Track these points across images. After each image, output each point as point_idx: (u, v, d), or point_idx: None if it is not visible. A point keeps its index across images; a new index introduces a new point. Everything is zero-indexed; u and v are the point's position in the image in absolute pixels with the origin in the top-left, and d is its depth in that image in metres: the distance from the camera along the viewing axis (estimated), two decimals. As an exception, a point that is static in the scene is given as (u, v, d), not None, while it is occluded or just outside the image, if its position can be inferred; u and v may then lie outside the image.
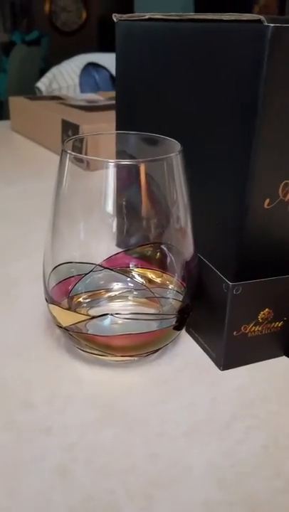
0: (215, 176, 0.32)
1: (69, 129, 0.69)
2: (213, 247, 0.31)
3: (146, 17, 0.34)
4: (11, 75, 2.28)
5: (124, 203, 0.30)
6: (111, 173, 0.26)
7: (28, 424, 0.26)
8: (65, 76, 1.24)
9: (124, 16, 0.37)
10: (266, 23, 0.26)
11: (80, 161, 0.29)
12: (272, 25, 0.26)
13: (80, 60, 1.31)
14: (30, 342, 0.32)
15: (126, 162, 0.26)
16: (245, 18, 0.27)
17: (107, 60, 1.34)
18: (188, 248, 0.29)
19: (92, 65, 1.32)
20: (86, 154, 0.35)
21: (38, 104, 0.83)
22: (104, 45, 1.67)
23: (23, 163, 0.74)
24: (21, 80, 2.21)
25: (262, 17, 0.27)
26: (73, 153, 0.27)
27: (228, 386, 0.29)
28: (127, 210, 0.31)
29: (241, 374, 0.30)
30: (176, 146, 0.27)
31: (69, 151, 0.27)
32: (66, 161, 0.28)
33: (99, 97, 0.92)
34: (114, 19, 0.37)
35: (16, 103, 0.85)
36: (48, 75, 1.23)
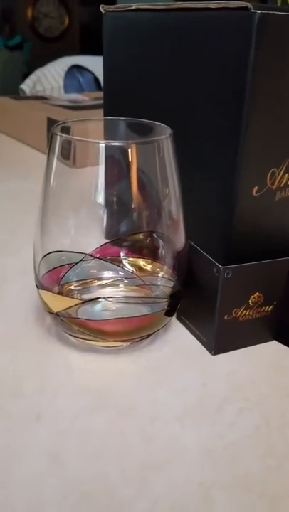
0: (203, 164, 0.32)
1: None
2: (202, 234, 0.31)
3: (133, 7, 0.34)
4: (-7, 79, 2.27)
5: (114, 192, 0.31)
6: (100, 156, 0.26)
7: (18, 412, 0.26)
8: (49, 78, 1.23)
9: (112, 7, 0.37)
10: (253, 10, 0.27)
11: (67, 157, 0.29)
12: (259, 11, 0.27)
13: (64, 63, 1.31)
14: (20, 332, 0.32)
15: (115, 143, 0.26)
16: (232, 6, 0.28)
17: (91, 63, 1.34)
18: (179, 235, 0.29)
19: (77, 68, 1.33)
20: (74, 147, 0.35)
21: (22, 104, 0.83)
22: (87, 51, 1.67)
23: (7, 162, 0.73)
24: (4, 84, 2.20)
25: (249, 4, 0.27)
26: (63, 134, 0.27)
27: (219, 370, 0.29)
28: (117, 198, 0.31)
29: (232, 358, 0.30)
30: (167, 130, 0.27)
31: (59, 133, 0.27)
32: (56, 145, 0.28)
33: (84, 97, 0.92)
34: (102, 10, 0.38)
35: (1, 103, 0.85)
36: (32, 77, 1.23)
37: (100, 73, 1.33)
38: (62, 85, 1.24)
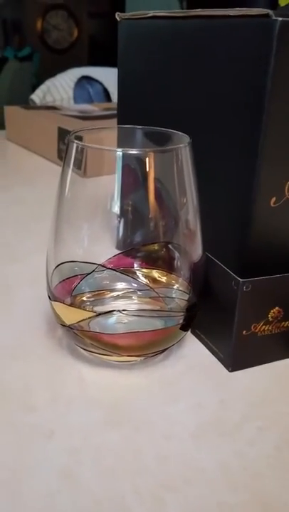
0: (220, 173, 0.31)
1: (66, 136, 0.68)
2: (217, 246, 0.30)
3: (150, 15, 0.34)
4: (2, 89, 2.29)
5: (129, 201, 0.30)
6: (117, 164, 0.26)
7: (30, 428, 0.25)
8: (59, 89, 1.24)
9: (127, 15, 0.37)
10: (274, 17, 0.26)
11: (79, 167, 0.28)
12: (280, 18, 0.26)
13: (74, 74, 1.32)
14: (30, 344, 0.31)
15: (133, 151, 0.25)
16: (252, 13, 0.27)
17: (101, 74, 1.35)
18: (196, 246, 0.29)
19: (86, 79, 1.33)
20: (86, 155, 0.35)
21: (33, 114, 0.83)
22: (95, 63, 1.68)
23: (16, 169, 0.73)
24: (13, 94, 2.21)
25: (270, 11, 0.27)
26: (80, 142, 0.26)
27: (237, 387, 0.28)
28: (132, 208, 0.31)
29: (250, 375, 0.29)
30: (185, 139, 0.27)
31: (76, 141, 0.26)
32: (72, 154, 0.27)
33: (94, 108, 0.92)
34: (118, 18, 0.37)
35: (12, 112, 0.85)
36: (42, 87, 1.23)
37: (109, 84, 1.34)
38: (72, 96, 1.25)
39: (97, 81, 1.33)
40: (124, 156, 0.25)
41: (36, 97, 1.19)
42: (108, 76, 1.36)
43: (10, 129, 0.85)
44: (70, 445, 0.24)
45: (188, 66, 0.32)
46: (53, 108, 0.91)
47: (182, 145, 0.25)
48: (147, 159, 0.26)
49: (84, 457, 0.23)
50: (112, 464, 0.23)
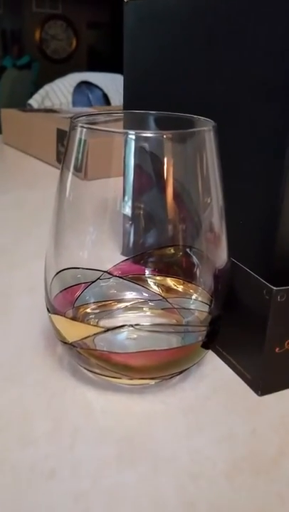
0: (243, 170, 0.27)
1: (65, 138, 0.65)
2: (240, 250, 0.26)
3: (163, -9, 0.30)
4: (1, 97, 2.26)
5: (141, 198, 0.26)
6: (127, 152, 0.22)
7: (26, 466, 0.21)
8: (58, 93, 1.21)
9: (135, -5, 0.33)
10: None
11: (79, 170, 0.25)
12: None
13: (73, 78, 1.29)
14: (27, 363, 0.27)
15: (147, 134, 0.22)
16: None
17: (101, 79, 1.32)
18: (220, 251, 0.24)
19: (86, 84, 1.30)
20: (87, 157, 0.32)
21: (31, 116, 0.79)
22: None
23: (15, 174, 0.69)
24: (12, 103, 2.19)
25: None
26: (86, 125, 0.22)
27: (270, 414, 0.24)
28: (145, 207, 0.27)
29: (284, 399, 0.25)
30: (209, 124, 0.23)
31: (80, 124, 0.22)
32: (75, 140, 0.23)
33: (94, 111, 0.89)
34: (124, -1, 0.34)
35: (8, 115, 0.81)
36: (41, 92, 1.20)
37: (108, 89, 1.31)
38: (71, 101, 1.21)
39: (96, 86, 1.30)
40: (137, 139, 0.21)
41: (34, 101, 1.16)
42: (108, 81, 1.33)
43: (7, 132, 0.82)
44: (75, 488, 0.20)
45: (205, 48, 0.28)
46: (52, 111, 0.87)
47: (206, 128, 0.21)
48: (164, 145, 0.22)
49: (93, 503, 0.19)
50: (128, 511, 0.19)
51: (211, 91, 0.28)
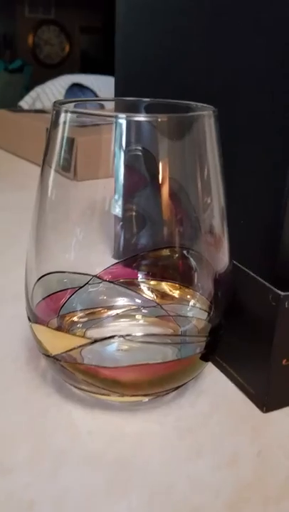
0: (245, 166, 0.25)
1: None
2: (240, 252, 0.24)
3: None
4: (-8, 101, 2.23)
5: (133, 195, 0.24)
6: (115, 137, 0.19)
7: (2, 497, 0.18)
8: (49, 95, 1.18)
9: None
10: None
11: (67, 170, 0.23)
12: None
13: (65, 81, 1.26)
14: (6, 378, 0.24)
15: (139, 117, 0.19)
16: None
17: (93, 81, 1.30)
18: (221, 254, 0.22)
19: (78, 86, 1.28)
20: (76, 159, 0.30)
21: (21, 116, 0.76)
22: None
23: (4, 176, 0.67)
24: (3, 106, 2.16)
25: None
26: (74, 110, 0.20)
27: (276, 433, 0.22)
28: (137, 206, 0.25)
29: (291, 417, 0.23)
30: (209, 109, 0.20)
31: (64, 108, 0.20)
32: (58, 133, 0.21)
33: (86, 110, 0.86)
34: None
35: (-3, 116, 0.78)
36: (32, 93, 1.17)
37: (101, 92, 1.29)
38: (63, 103, 1.19)
39: (88, 88, 1.28)
40: (127, 124, 0.19)
41: (25, 103, 1.13)
42: (100, 84, 1.30)
43: (-4, 133, 0.79)
44: (56, 525, 0.17)
45: (213, 35, 0.26)
46: (42, 111, 0.85)
47: (206, 112, 0.19)
48: (159, 132, 0.19)
49: None
50: None
51: (210, 83, 0.26)
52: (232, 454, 0.21)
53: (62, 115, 0.20)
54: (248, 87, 0.24)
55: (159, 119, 0.19)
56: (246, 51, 0.24)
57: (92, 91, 1.29)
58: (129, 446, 0.21)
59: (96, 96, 1.31)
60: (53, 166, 0.22)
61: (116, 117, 0.19)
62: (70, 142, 0.23)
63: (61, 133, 0.21)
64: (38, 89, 1.19)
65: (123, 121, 0.19)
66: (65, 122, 0.21)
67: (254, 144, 0.24)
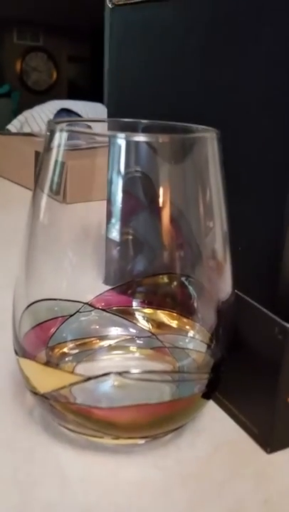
0: (244, 190, 0.24)
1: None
2: (239, 280, 0.23)
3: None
4: (-21, 125, 2.23)
5: (130, 220, 0.23)
6: (111, 159, 0.18)
7: None
8: (38, 120, 1.18)
9: (122, 0, 0.30)
10: None
11: (57, 193, 0.22)
12: None
13: (54, 106, 1.26)
14: (-11, 415, 0.22)
15: (139, 137, 0.18)
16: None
17: (81, 107, 1.30)
18: (224, 282, 0.21)
19: (66, 111, 1.28)
20: (66, 181, 0.28)
21: (9, 139, 0.76)
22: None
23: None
24: (-10, 130, 2.15)
25: None
26: (69, 128, 0.19)
27: (282, 478, 0.20)
28: (133, 231, 0.23)
29: (298, 459, 0.21)
30: (212, 132, 0.19)
31: (59, 127, 0.19)
32: (51, 156, 0.20)
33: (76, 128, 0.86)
34: (109, 5, 0.31)
35: (-16, 138, 0.77)
36: (20, 117, 1.17)
37: (89, 117, 1.29)
38: (51, 127, 1.18)
39: (76, 114, 1.28)
40: (126, 144, 0.18)
41: (13, 127, 1.12)
42: (88, 109, 1.31)
43: (-18, 156, 0.78)
44: None
45: (209, 57, 0.25)
46: (30, 135, 0.84)
47: (208, 134, 0.18)
48: (159, 151, 0.18)
49: None
50: None
51: (207, 104, 0.25)
52: (236, 502, 0.19)
53: (57, 134, 0.19)
54: (246, 112, 0.23)
55: (160, 140, 0.17)
56: (245, 69, 0.23)
57: (80, 116, 1.29)
58: (126, 496, 0.19)
59: (78, 114, 1.32)
60: (45, 189, 0.21)
61: (113, 137, 0.18)
62: (61, 166, 0.22)
63: (54, 156, 0.20)
64: (26, 114, 1.19)
65: (122, 141, 0.18)
66: (59, 145, 0.20)
67: (253, 169, 0.23)
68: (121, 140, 0.18)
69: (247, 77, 0.23)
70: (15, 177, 0.70)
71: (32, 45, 3.51)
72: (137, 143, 0.18)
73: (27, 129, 1.18)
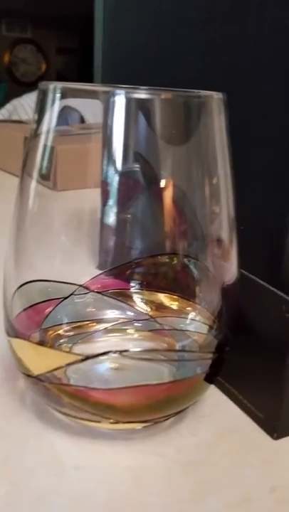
0: (248, 166, 0.23)
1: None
2: (243, 259, 0.21)
3: None
4: None
5: (128, 204, 0.22)
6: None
7: None
8: (26, 108, 1.16)
9: None
10: None
11: (47, 178, 0.20)
12: None
13: (43, 94, 1.24)
14: (-22, 402, 0.21)
15: (136, 94, 0.17)
16: None
17: (78, 101, 1.28)
18: (229, 264, 0.20)
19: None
20: (56, 167, 0.27)
21: (-3, 126, 0.74)
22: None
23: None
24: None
25: None
26: (64, 85, 0.17)
27: (290, 465, 0.19)
28: (130, 210, 0.22)
29: (306, 445, 0.20)
30: (217, 95, 0.18)
31: (52, 85, 0.17)
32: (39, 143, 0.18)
33: (69, 128, 0.84)
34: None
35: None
36: (8, 106, 1.15)
37: (85, 111, 1.27)
38: (40, 117, 1.17)
39: (70, 107, 1.26)
40: (127, 102, 0.17)
41: (1, 115, 1.10)
42: (84, 102, 1.29)
43: None
44: None
45: (216, 10, 0.24)
46: (20, 122, 0.82)
47: (214, 93, 0.17)
48: (156, 110, 0.17)
49: None
50: None
51: (211, 71, 0.24)
52: (242, 491, 0.18)
53: (50, 95, 0.18)
54: (252, 78, 0.22)
55: (163, 96, 0.16)
56: (248, 39, 0.22)
57: (74, 109, 1.27)
58: (124, 484, 0.17)
59: (76, 110, 1.30)
60: (34, 175, 0.20)
61: (112, 94, 0.17)
62: (51, 150, 0.21)
63: (43, 141, 0.19)
64: (14, 102, 1.16)
65: (121, 98, 0.17)
66: (48, 131, 0.18)
67: (258, 142, 0.22)
68: (120, 96, 0.17)
69: (252, 41, 0.22)
70: (3, 164, 0.68)
71: (20, 36, 3.46)
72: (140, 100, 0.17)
73: (16, 118, 1.15)
